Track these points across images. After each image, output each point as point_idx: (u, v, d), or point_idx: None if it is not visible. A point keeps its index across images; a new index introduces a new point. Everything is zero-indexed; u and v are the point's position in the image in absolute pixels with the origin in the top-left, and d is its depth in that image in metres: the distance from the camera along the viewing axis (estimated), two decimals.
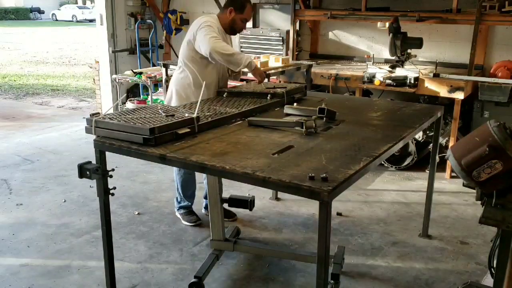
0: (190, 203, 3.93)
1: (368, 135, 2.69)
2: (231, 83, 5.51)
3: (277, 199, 4.35)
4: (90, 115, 2.55)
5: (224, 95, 3.38)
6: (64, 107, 8.48)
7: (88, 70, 11.40)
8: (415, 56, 5.18)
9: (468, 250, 3.53)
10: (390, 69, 5.00)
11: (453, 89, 4.64)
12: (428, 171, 3.79)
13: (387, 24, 4.98)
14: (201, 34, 3.34)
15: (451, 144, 4.73)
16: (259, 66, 3.51)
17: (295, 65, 5.18)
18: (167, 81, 5.50)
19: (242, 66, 3.36)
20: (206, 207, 3.98)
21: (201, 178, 4.00)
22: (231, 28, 3.59)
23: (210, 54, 3.31)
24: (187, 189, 3.89)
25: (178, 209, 3.96)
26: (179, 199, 3.92)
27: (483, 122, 2.07)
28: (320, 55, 6.33)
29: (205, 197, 3.96)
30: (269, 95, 3.29)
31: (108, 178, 2.54)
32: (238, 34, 3.87)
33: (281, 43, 5.89)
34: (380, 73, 4.94)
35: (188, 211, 3.93)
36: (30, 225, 3.84)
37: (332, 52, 6.31)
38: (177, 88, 3.64)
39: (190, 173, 3.78)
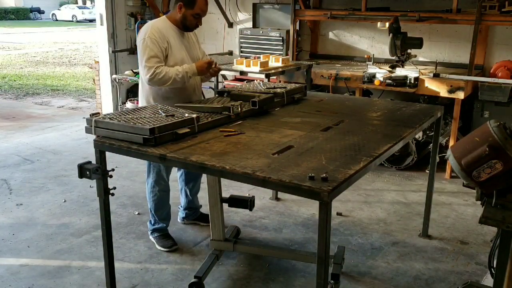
0: (165, 225, 3.55)
1: (368, 135, 2.69)
2: (231, 83, 5.52)
3: (277, 199, 4.35)
4: (90, 115, 2.55)
5: (225, 95, 3.38)
6: (64, 107, 8.48)
7: (88, 70, 11.40)
8: (415, 56, 5.18)
9: (468, 250, 3.53)
10: (390, 69, 5.00)
11: (453, 89, 4.64)
12: (428, 171, 3.79)
13: (387, 24, 4.97)
14: (140, 57, 3.15)
15: (451, 144, 4.73)
16: (194, 67, 3.22)
17: (295, 65, 5.19)
18: None
19: (187, 81, 3.19)
20: (184, 217, 3.84)
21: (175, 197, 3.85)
22: (184, 26, 3.29)
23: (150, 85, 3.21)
24: (162, 209, 3.52)
25: (152, 232, 3.55)
26: (152, 222, 3.54)
27: (483, 122, 2.07)
28: (320, 55, 6.33)
29: (185, 208, 3.81)
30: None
31: (108, 178, 2.55)
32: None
33: (281, 43, 5.88)
34: (380, 73, 4.94)
35: (163, 235, 3.53)
36: (30, 225, 3.84)
37: (332, 52, 6.30)
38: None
39: (164, 191, 3.48)
